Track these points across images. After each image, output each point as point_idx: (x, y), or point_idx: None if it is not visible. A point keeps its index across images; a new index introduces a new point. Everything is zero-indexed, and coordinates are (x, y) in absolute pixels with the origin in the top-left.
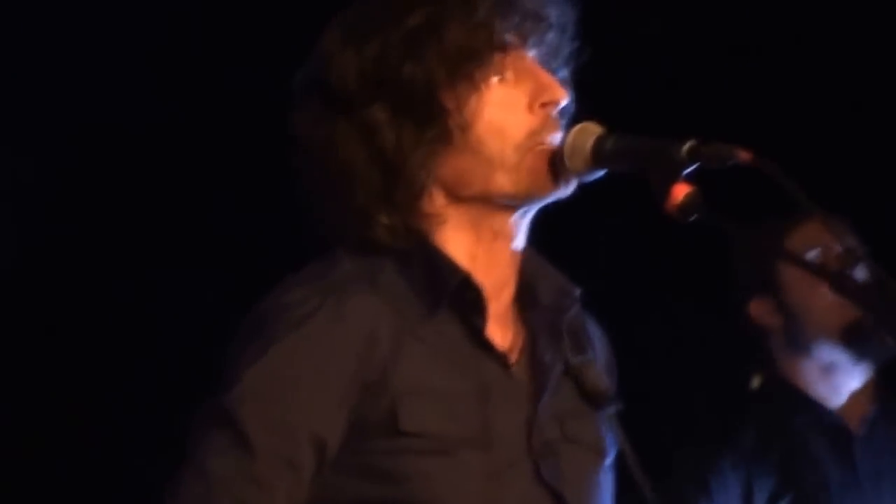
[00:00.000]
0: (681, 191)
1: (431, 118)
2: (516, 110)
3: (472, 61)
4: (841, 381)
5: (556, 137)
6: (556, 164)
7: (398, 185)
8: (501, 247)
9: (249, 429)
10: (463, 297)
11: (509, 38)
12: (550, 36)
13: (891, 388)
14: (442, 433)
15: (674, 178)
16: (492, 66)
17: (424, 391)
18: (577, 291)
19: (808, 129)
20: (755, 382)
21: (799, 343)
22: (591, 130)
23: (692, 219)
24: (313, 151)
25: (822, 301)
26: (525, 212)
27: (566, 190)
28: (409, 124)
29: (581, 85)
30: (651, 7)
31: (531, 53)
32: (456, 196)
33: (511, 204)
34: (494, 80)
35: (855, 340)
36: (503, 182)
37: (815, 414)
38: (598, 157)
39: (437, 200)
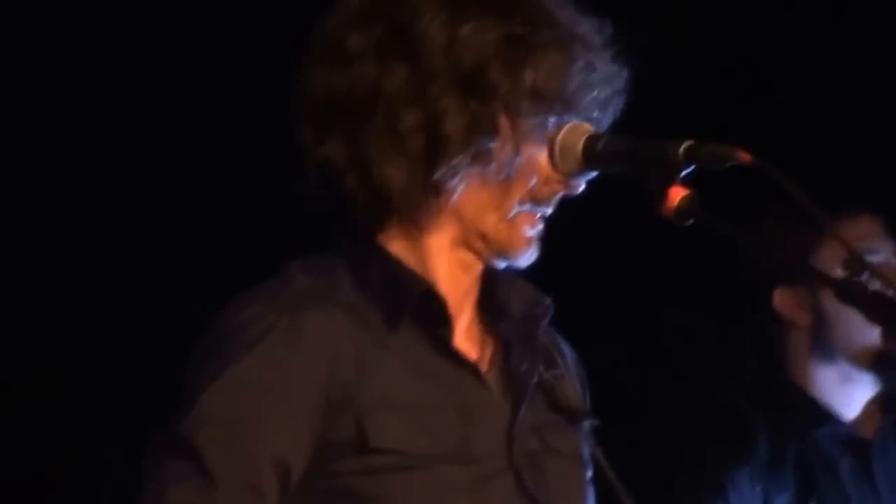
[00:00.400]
0: (677, 194)
1: (487, 131)
2: (537, 173)
3: (549, 107)
4: (858, 392)
5: (546, 211)
6: (536, 237)
7: (430, 163)
8: (473, 268)
9: (208, 455)
10: (426, 308)
11: (584, 110)
12: (598, 112)
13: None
14: (415, 448)
15: (670, 180)
16: (559, 121)
17: (395, 405)
18: (549, 301)
19: (806, 128)
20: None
21: (823, 349)
22: (581, 129)
23: (689, 223)
24: (365, 100)
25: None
26: (488, 260)
27: (527, 262)
28: (468, 125)
29: None
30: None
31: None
32: (452, 214)
33: (482, 250)
34: (547, 134)
35: (885, 368)
36: (491, 223)
37: (831, 426)
38: (589, 157)
39: (441, 205)
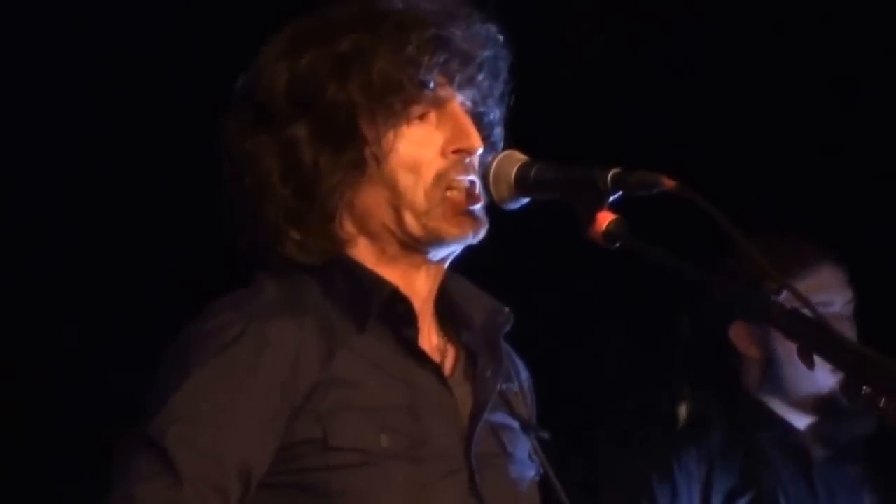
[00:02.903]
0: (605, 218)
1: (349, 144)
2: (430, 150)
3: (394, 94)
4: (805, 417)
5: (466, 179)
6: (468, 217)
7: (310, 204)
8: (419, 277)
9: (175, 454)
10: (393, 310)
11: (436, 76)
12: (481, 78)
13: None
14: (375, 446)
15: (598, 205)
16: (414, 100)
17: (358, 406)
18: (508, 310)
19: (729, 156)
20: (682, 413)
21: (772, 384)
22: (514, 158)
23: (616, 246)
24: (235, 162)
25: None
26: (435, 252)
27: (474, 238)
28: (327, 147)
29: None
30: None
31: (459, 93)
32: (366, 228)
33: (419, 245)
34: (415, 117)
35: (827, 416)
36: (411, 222)
37: (778, 432)
38: (521, 184)
39: (348, 227)
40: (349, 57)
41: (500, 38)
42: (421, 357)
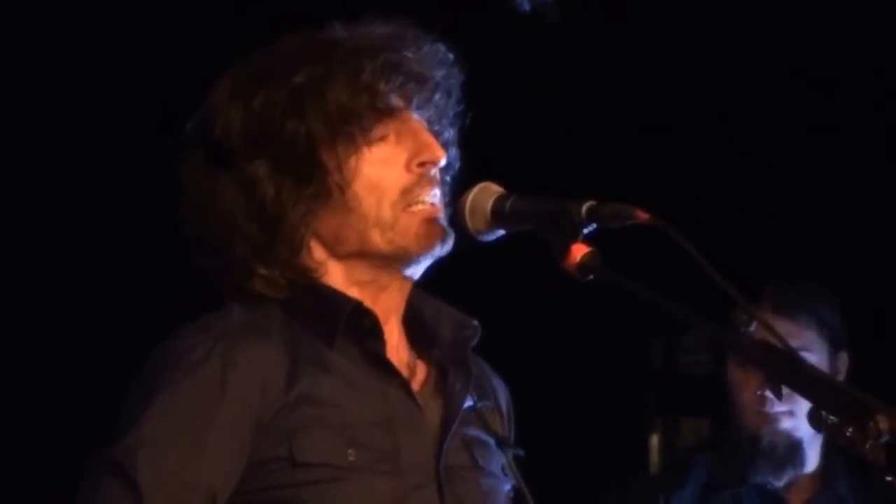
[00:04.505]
0: (579, 250)
1: (310, 175)
2: (393, 168)
3: (352, 122)
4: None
5: (432, 194)
6: (432, 225)
7: (277, 239)
8: (387, 295)
9: (140, 478)
10: (358, 324)
11: (392, 99)
12: (436, 98)
13: (837, 477)
14: (341, 461)
15: (573, 238)
16: (373, 126)
17: (324, 422)
18: (476, 323)
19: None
20: (654, 443)
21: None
22: (490, 190)
23: (590, 278)
24: (196, 203)
25: (746, 395)
26: (406, 269)
27: (442, 249)
28: (288, 180)
29: (474, 145)
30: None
31: (416, 114)
32: (335, 253)
33: (389, 263)
34: (376, 139)
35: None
36: (377, 240)
37: (759, 482)
38: (497, 217)
39: (317, 254)
40: (304, 89)
41: (451, 57)
42: (389, 370)
